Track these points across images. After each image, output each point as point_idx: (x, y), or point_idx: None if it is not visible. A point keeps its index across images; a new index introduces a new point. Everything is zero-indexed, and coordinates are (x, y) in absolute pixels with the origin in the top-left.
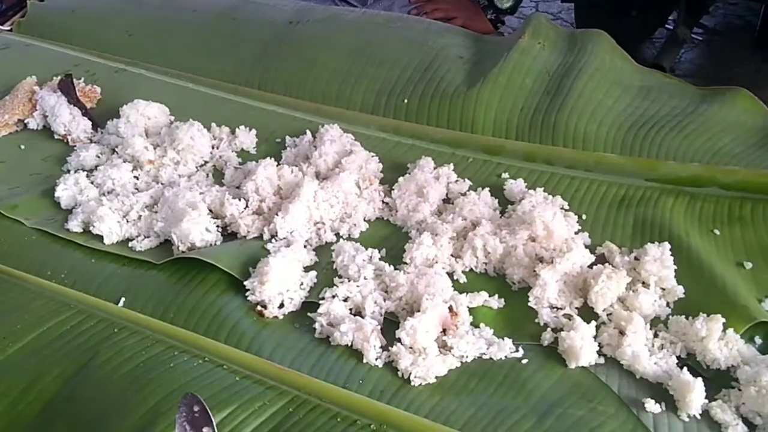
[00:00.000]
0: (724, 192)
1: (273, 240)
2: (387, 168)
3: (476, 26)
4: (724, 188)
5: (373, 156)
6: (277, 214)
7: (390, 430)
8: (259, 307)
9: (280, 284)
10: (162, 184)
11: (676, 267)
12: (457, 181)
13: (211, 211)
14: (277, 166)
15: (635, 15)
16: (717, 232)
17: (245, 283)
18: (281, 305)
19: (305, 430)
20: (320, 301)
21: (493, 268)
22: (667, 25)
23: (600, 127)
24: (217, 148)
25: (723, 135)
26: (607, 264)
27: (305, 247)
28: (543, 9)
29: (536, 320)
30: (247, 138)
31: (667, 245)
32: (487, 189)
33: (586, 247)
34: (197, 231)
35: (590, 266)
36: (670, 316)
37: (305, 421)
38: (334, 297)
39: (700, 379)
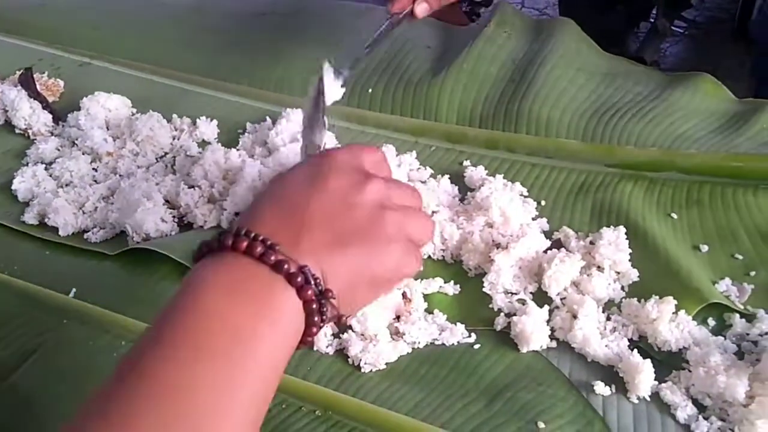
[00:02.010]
0: (683, 176)
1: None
2: None
3: (451, 19)
4: (682, 172)
5: (331, 135)
6: (226, 199)
7: (335, 415)
8: None
9: None
10: (120, 175)
11: (631, 251)
12: (418, 169)
13: (168, 201)
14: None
15: (620, 9)
16: (674, 215)
17: None
18: None
19: None
20: None
21: (450, 254)
22: (652, 19)
23: (563, 114)
24: (178, 139)
25: (686, 120)
26: (562, 248)
27: None
28: (529, 5)
29: (490, 306)
30: (208, 129)
31: (622, 229)
32: (447, 176)
33: (544, 232)
34: (151, 221)
35: (546, 251)
36: (624, 299)
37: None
38: None
39: (648, 360)
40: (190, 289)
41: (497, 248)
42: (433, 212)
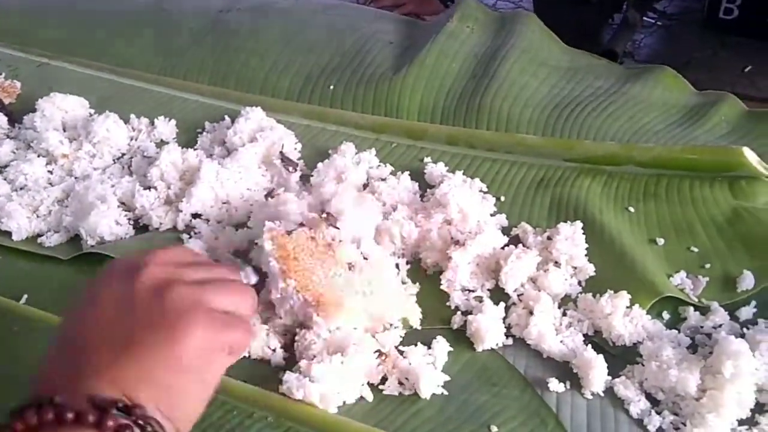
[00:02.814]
0: (640, 170)
1: (187, 230)
2: (310, 155)
3: (426, 9)
4: (640, 166)
5: (291, 133)
6: (182, 200)
7: (287, 421)
8: None
9: None
10: (76, 177)
11: (588, 245)
12: (378, 166)
13: (124, 204)
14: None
15: (593, 2)
16: (632, 209)
17: None
18: None
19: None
20: None
21: (410, 252)
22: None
23: (524, 109)
24: (136, 140)
25: (645, 113)
26: (519, 244)
27: (223, 228)
28: None
29: (448, 303)
30: (166, 128)
31: (579, 224)
32: (407, 173)
33: (503, 228)
34: (106, 224)
35: (504, 247)
36: (580, 295)
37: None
38: None
39: (602, 356)
40: None
41: (455, 245)
42: (394, 210)
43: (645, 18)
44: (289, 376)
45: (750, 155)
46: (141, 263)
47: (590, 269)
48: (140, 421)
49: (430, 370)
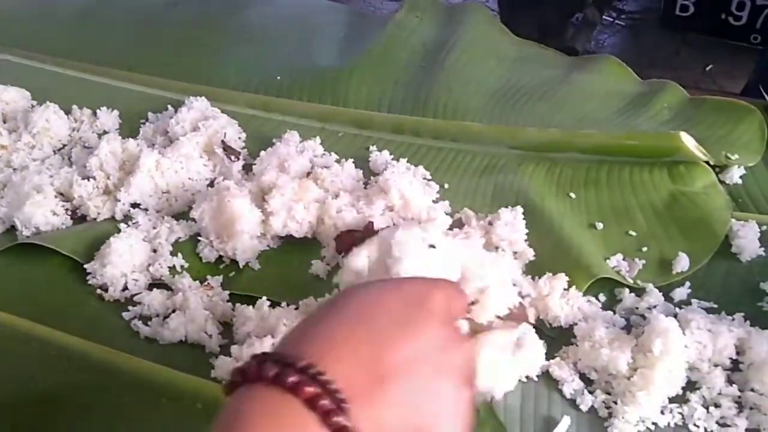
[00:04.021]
0: (582, 156)
1: (125, 220)
2: (255, 144)
3: None
4: (582, 152)
5: (234, 122)
6: (120, 190)
7: (217, 409)
8: (99, 291)
9: (123, 265)
10: (14, 169)
11: (528, 231)
12: (323, 155)
13: (62, 194)
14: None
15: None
16: (573, 195)
17: (86, 266)
18: (125, 288)
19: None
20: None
21: None
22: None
23: (471, 97)
24: (77, 131)
25: (589, 101)
26: (464, 227)
27: (162, 219)
28: None
29: None
30: (108, 119)
31: (519, 209)
32: (351, 161)
33: (446, 215)
34: (41, 215)
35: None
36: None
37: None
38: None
39: (537, 338)
40: (233, 426)
41: None
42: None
43: (605, 17)
44: (221, 361)
45: (687, 140)
46: (454, 326)
47: (530, 254)
48: None
49: None
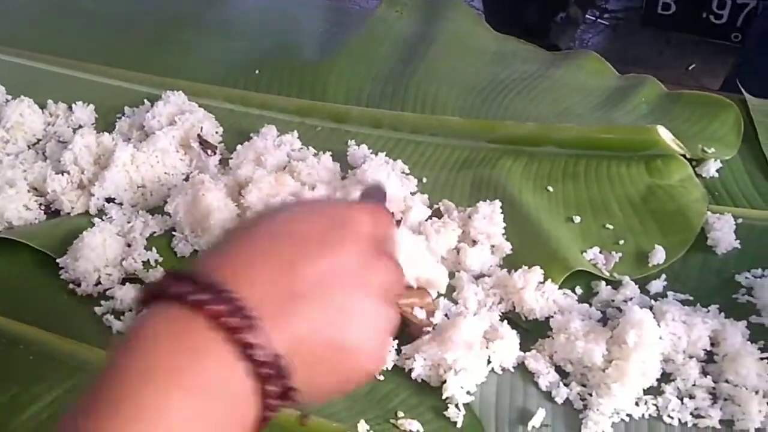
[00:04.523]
0: (560, 150)
1: (100, 215)
2: (233, 139)
3: None
4: (560, 146)
5: (211, 116)
6: (95, 184)
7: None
8: (71, 285)
9: (96, 260)
10: None
11: (506, 225)
12: (301, 149)
13: (36, 189)
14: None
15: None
16: (550, 189)
17: (58, 260)
18: (98, 282)
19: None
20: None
21: None
22: None
23: (449, 92)
24: (52, 125)
25: (568, 96)
26: (442, 218)
27: (137, 213)
28: None
29: None
30: (84, 114)
31: (497, 203)
32: (328, 153)
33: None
34: (14, 209)
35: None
36: (494, 270)
37: None
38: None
39: (513, 331)
40: (132, 344)
41: None
42: (313, 189)
43: (587, 16)
44: None
45: (664, 133)
46: (378, 244)
47: (507, 247)
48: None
49: None
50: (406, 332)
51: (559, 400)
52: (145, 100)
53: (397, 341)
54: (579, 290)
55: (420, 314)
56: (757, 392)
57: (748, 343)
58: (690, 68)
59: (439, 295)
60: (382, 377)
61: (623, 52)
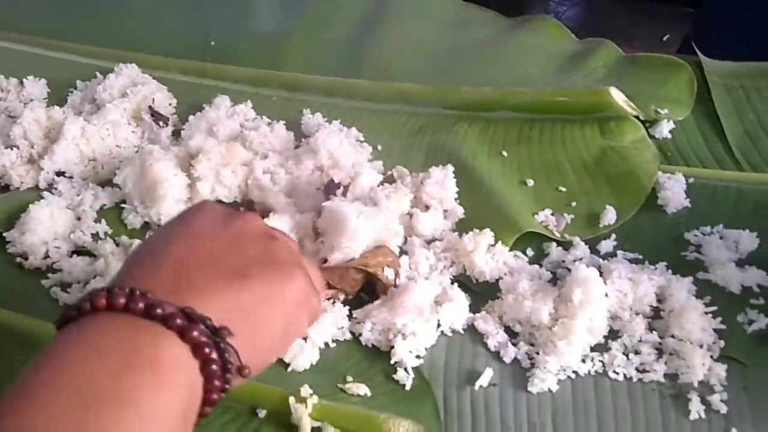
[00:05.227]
0: (515, 114)
1: (49, 189)
2: (187, 110)
3: None
4: (514, 111)
5: (163, 88)
6: (44, 158)
7: None
8: (18, 259)
9: (44, 233)
10: None
11: (459, 189)
12: (254, 119)
13: None
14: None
15: None
16: (505, 153)
17: (5, 234)
18: (46, 256)
19: None
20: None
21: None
22: None
23: (408, 59)
24: (3, 100)
25: (525, 61)
26: (395, 183)
27: (87, 186)
28: None
29: None
30: (35, 88)
31: (450, 168)
32: (282, 122)
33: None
34: None
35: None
36: (446, 233)
37: None
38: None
39: (464, 293)
40: (53, 354)
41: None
42: (265, 158)
43: None
44: None
45: (616, 95)
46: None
47: (460, 212)
48: (222, 345)
49: None
50: (376, 290)
51: (507, 359)
52: (98, 74)
53: (348, 307)
54: (530, 252)
55: (390, 274)
56: (701, 346)
57: (694, 298)
58: (664, 39)
59: (402, 252)
60: (333, 344)
61: (597, 24)
